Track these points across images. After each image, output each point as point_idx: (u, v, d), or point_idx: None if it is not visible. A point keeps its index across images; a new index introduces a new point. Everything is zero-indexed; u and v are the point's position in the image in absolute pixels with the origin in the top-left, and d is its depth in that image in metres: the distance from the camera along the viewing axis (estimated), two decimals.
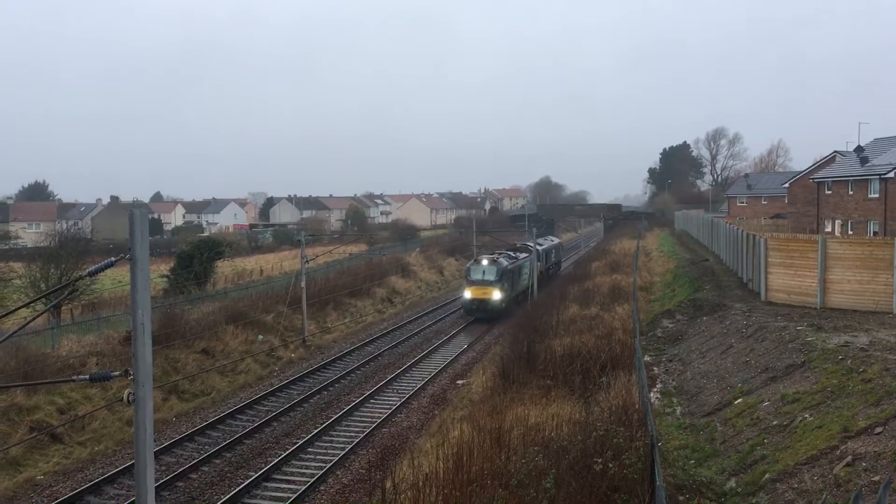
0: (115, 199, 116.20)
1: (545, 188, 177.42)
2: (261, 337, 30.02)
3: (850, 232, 38.49)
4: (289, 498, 15.85)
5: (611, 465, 10.32)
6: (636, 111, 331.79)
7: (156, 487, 6.81)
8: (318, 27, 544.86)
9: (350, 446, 19.07)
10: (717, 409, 14.50)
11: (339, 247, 68.04)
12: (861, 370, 13.15)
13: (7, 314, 10.34)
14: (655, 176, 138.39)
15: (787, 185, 59.40)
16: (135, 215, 5.86)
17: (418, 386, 25.22)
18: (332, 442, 19.88)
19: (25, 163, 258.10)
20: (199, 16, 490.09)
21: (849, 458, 9.79)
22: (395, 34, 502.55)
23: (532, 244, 46.50)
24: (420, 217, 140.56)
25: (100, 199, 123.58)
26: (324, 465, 17.92)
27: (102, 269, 6.41)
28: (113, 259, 6.28)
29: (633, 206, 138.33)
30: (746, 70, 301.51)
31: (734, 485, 10.71)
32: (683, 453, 12.40)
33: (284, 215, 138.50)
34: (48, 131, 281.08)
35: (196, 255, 41.65)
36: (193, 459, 18.25)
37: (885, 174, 34.52)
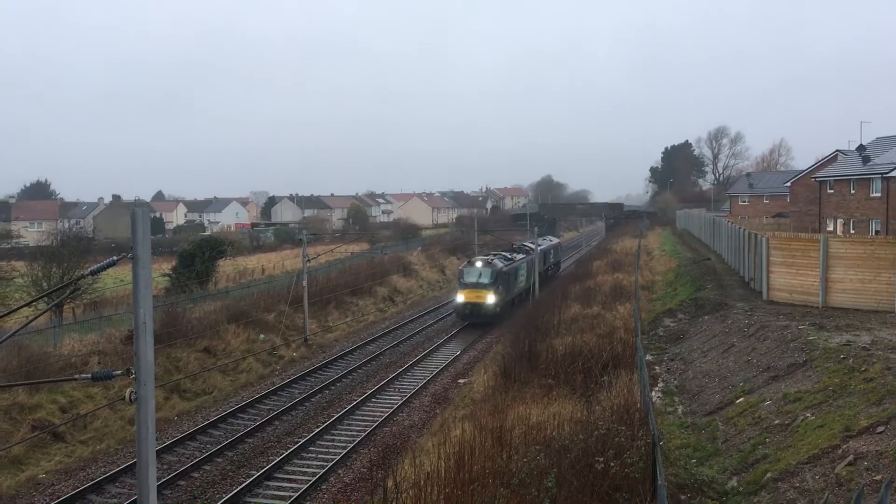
0: (116, 198, 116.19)
1: (547, 187, 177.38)
2: (262, 336, 30.04)
3: (852, 231, 38.46)
4: (290, 497, 15.86)
5: (612, 464, 10.32)
6: (638, 110, 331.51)
7: (158, 486, 6.81)
8: (320, 26, 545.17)
9: (352, 445, 19.08)
10: (718, 409, 14.50)
11: (341, 246, 68.09)
12: (863, 369, 13.14)
13: (9, 313, 10.34)
14: (657, 175, 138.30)
15: (788, 184, 59.38)
16: (136, 214, 5.87)
17: (420, 385, 25.23)
18: (333, 441, 19.90)
19: (27, 162, 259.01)
20: (201, 14, 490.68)
21: (850, 458, 9.78)
22: (396, 34, 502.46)
23: (529, 244, 45.99)
24: (421, 216, 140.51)
25: (102, 198, 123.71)
26: (325, 463, 17.94)
27: (104, 268, 6.41)
28: (115, 258, 6.28)
29: (634, 205, 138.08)
30: (748, 69, 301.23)
31: (736, 484, 10.70)
32: (685, 452, 12.40)
33: (286, 214, 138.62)
34: (50, 130, 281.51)
35: (198, 254, 41.67)
36: (195, 458, 18.28)
37: (887, 173, 34.49)
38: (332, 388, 25.32)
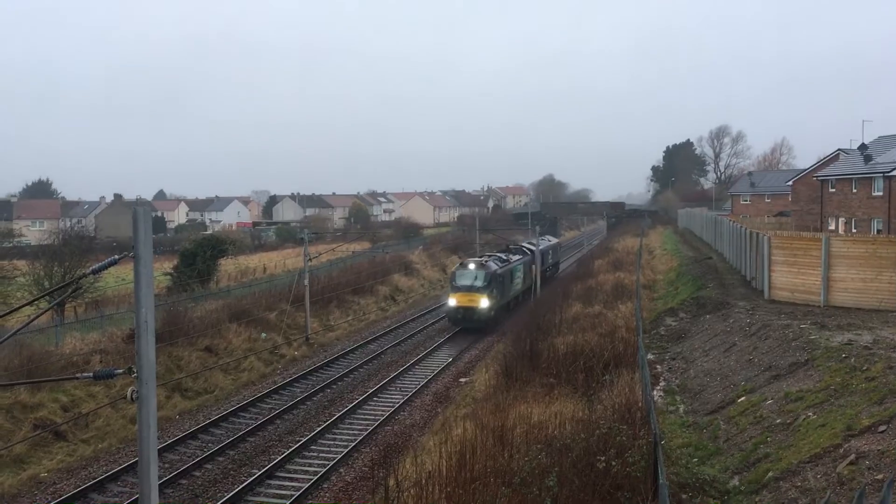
0: (118, 196, 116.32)
1: (548, 186, 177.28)
2: (264, 335, 30.06)
3: (853, 230, 38.42)
4: (292, 496, 15.87)
5: (614, 463, 10.32)
6: (640, 109, 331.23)
7: (159, 485, 6.82)
8: (321, 26, 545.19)
9: (353, 444, 19.09)
10: (720, 408, 14.49)
11: (342, 245, 68.09)
12: (865, 368, 13.12)
13: (11, 312, 10.36)
14: (659, 174, 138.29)
15: (790, 183, 59.32)
16: (138, 213, 5.86)
17: (421, 384, 25.24)
18: (335, 440, 19.91)
19: (29, 161, 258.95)
20: (202, 14, 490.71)
21: (852, 457, 9.77)
22: (396, 35, 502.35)
23: (526, 244, 45.48)
24: (423, 215, 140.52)
25: (103, 197, 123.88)
26: (327, 462, 17.95)
27: (106, 267, 6.41)
28: (116, 257, 6.28)
29: (636, 204, 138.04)
30: (750, 68, 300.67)
31: (737, 483, 10.69)
32: (687, 451, 12.39)
33: (287, 213, 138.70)
34: (51, 129, 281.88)
35: (199, 253, 41.73)
36: (197, 457, 18.30)
37: (888, 172, 34.44)
38: (334, 386, 25.33)
